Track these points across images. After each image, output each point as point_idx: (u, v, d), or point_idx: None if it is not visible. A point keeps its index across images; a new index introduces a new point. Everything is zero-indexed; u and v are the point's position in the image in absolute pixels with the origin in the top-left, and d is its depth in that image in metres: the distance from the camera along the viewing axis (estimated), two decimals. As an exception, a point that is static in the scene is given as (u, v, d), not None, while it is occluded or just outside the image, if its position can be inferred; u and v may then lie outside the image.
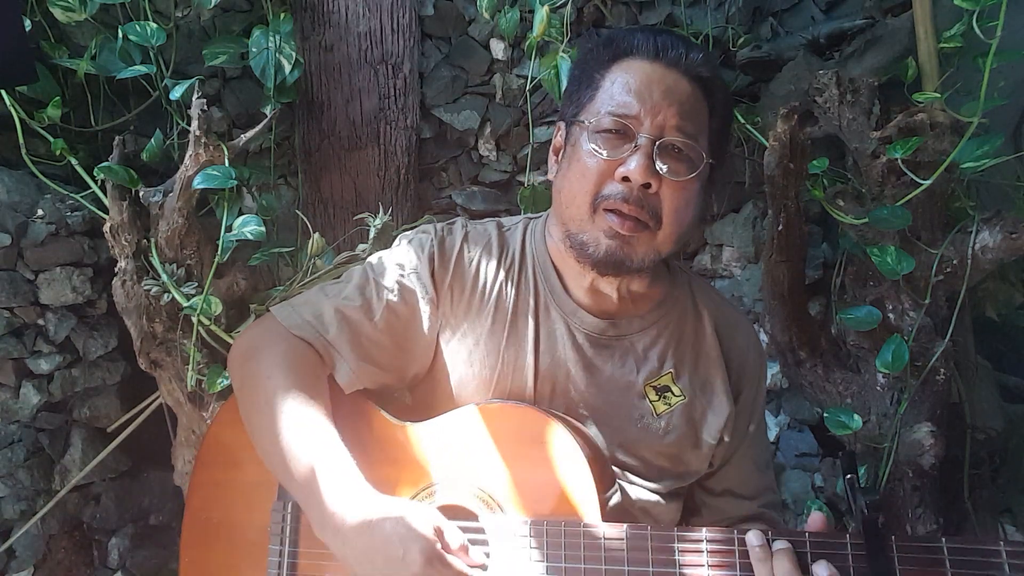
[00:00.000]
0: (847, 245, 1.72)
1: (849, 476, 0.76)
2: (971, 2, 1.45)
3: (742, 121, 1.83)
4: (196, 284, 1.49)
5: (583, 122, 0.96)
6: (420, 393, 1.05)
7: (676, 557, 0.79)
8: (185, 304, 1.45)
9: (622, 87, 0.94)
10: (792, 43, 1.90)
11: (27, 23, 1.47)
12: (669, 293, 1.07)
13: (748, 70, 1.99)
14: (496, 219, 1.12)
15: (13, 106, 1.52)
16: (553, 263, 1.04)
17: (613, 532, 0.82)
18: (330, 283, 1.07)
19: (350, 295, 1.02)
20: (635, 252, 0.94)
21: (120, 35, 1.62)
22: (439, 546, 0.81)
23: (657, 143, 0.91)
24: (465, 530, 0.88)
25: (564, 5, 1.70)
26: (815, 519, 0.81)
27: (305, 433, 0.89)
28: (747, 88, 2.02)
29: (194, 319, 1.45)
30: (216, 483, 1.04)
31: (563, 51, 1.68)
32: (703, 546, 0.79)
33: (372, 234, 1.61)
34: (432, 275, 1.02)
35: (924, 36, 1.62)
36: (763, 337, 2.03)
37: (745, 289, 2.09)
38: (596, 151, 0.93)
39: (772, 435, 2.00)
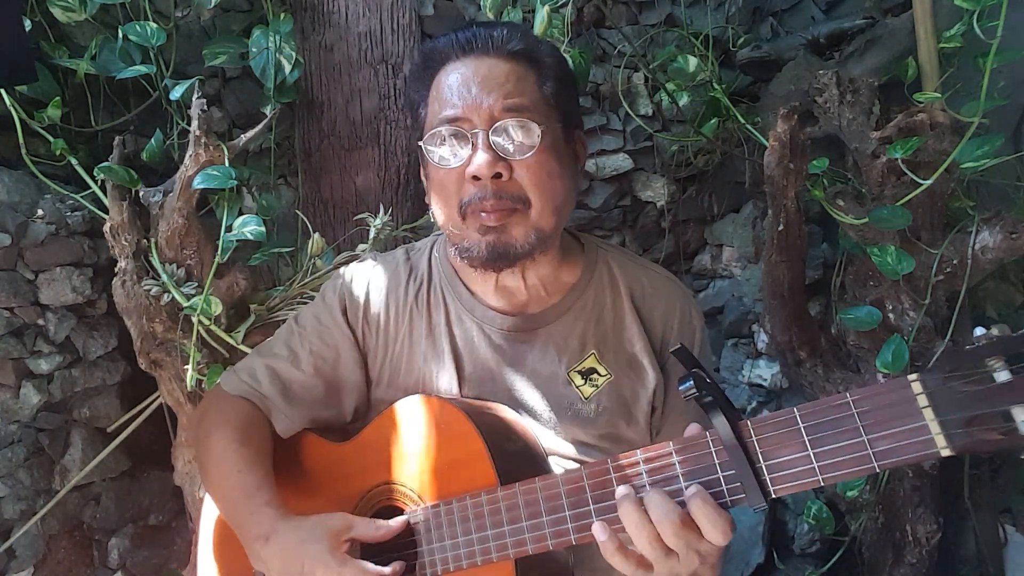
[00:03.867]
0: (847, 245, 1.72)
1: (695, 371, 0.73)
2: (971, 2, 1.45)
3: (742, 121, 1.83)
4: (196, 284, 1.49)
5: (425, 141, 0.97)
6: (363, 421, 1.08)
7: (563, 500, 0.82)
8: (185, 304, 1.45)
9: (444, 94, 0.96)
10: (792, 43, 1.90)
11: (27, 23, 1.47)
12: (584, 274, 1.06)
13: (748, 70, 1.99)
14: (405, 245, 1.17)
15: (13, 106, 1.52)
16: (458, 273, 1.07)
17: (507, 492, 0.86)
18: (265, 343, 1.16)
19: (278, 350, 1.10)
20: (514, 237, 0.94)
21: (120, 35, 1.61)
22: (341, 548, 0.87)
23: (491, 132, 0.92)
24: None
25: (565, 5, 1.70)
26: (691, 429, 0.80)
27: (234, 478, 0.98)
28: (747, 88, 2.02)
29: (194, 319, 1.45)
30: (209, 556, 1.09)
31: (563, 51, 1.68)
32: (583, 482, 0.81)
33: (372, 234, 1.61)
34: (344, 313, 1.07)
35: (924, 36, 1.62)
36: (763, 337, 2.03)
37: (745, 289, 2.09)
38: (443, 161, 0.95)
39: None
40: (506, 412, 0.99)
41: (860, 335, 1.66)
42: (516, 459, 0.92)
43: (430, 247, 1.13)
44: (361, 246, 1.59)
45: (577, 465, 0.98)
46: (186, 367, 1.48)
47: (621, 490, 0.78)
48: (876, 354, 1.56)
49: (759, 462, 0.71)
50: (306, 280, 1.58)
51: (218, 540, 1.08)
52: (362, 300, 1.07)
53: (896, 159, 1.50)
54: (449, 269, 1.08)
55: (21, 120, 1.53)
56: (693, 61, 1.83)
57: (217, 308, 1.46)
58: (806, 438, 0.69)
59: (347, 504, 0.98)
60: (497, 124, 0.92)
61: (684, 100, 1.94)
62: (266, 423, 1.06)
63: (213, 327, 1.47)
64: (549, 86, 0.98)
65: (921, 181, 1.48)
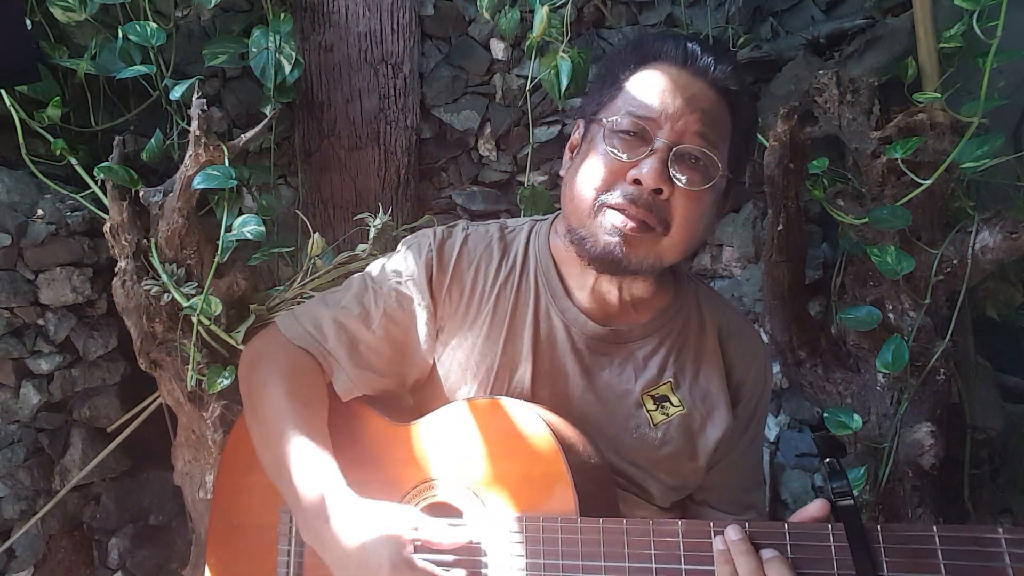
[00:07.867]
0: (847, 245, 1.72)
1: (828, 460, 0.71)
2: (971, 2, 1.45)
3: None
4: (196, 284, 1.49)
5: (602, 120, 0.94)
6: (421, 397, 1.05)
7: (651, 551, 0.79)
8: (185, 304, 1.45)
9: (645, 90, 0.92)
10: (792, 43, 1.90)
11: (27, 23, 1.46)
12: (673, 301, 1.05)
13: (748, 70, 1.98)
14: (500, 220, 1.11)
15: (13, 106, 1.52)
16: (556, 266, 1.03)
17: (589, 526, 0.82)
18: (331, 291, 1.09)
19: (348, 304, 1.03)
20: (634, 253, 0.91)
21: (120, 35, 1.61)
22: (409, 550, 0.83)
23: (674, 149, 0.89)
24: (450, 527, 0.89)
25: (564, 5, 1.70)
26: (816, 506, 0.75)
27: (292, 440, 0.91)
28: (747, 88, 2.02)
29: (194, 319, 1.45)
30: (236, 487, 1.06)
31: (563, 51, 1.68)
32: (679, 539, 0.78)
33: (372, 234, 1.61)
34: (429, 281, 1.02)
35: (924, 36, 1.62)
36: (763, 337, 2.03)
37: (745, 289, 2.09)
38: (612, 150, 0.91)
39: (772, 435, 2.01)
40: (576, 430, 0.95)
41: (860, 335, 1.66)
42: (593, 481, 0.89)
43: (528, 229, 1.08)
44: (361, 246, 1.59)
45: (634, 492, 0.98)
46: (186, 367, 1.48)
47: (732, 532, 0.74)
48: (876, 354, 1.56)
49: (883, 571, 0.66)
50: (306, 280, 1.58)
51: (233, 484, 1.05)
52: (450, 271, 1.02)
53: (896, 159, 1.50)
54: (548, 257, 1.03)
55: (21, 120, 1.53)
56: (693, 61, 1.83)
57: (217, 308, 1.45)
58: (941, 561, 0.64)
59: (393, 490, 0.94)
60: (682, 146, 0.90)
61: (684, 100, 1.94)
62: (323, 382, 1.01)
63: (213, 327, 1.47)
64: (737, 136, 0.96)
65: (921, 181, 1.48)
